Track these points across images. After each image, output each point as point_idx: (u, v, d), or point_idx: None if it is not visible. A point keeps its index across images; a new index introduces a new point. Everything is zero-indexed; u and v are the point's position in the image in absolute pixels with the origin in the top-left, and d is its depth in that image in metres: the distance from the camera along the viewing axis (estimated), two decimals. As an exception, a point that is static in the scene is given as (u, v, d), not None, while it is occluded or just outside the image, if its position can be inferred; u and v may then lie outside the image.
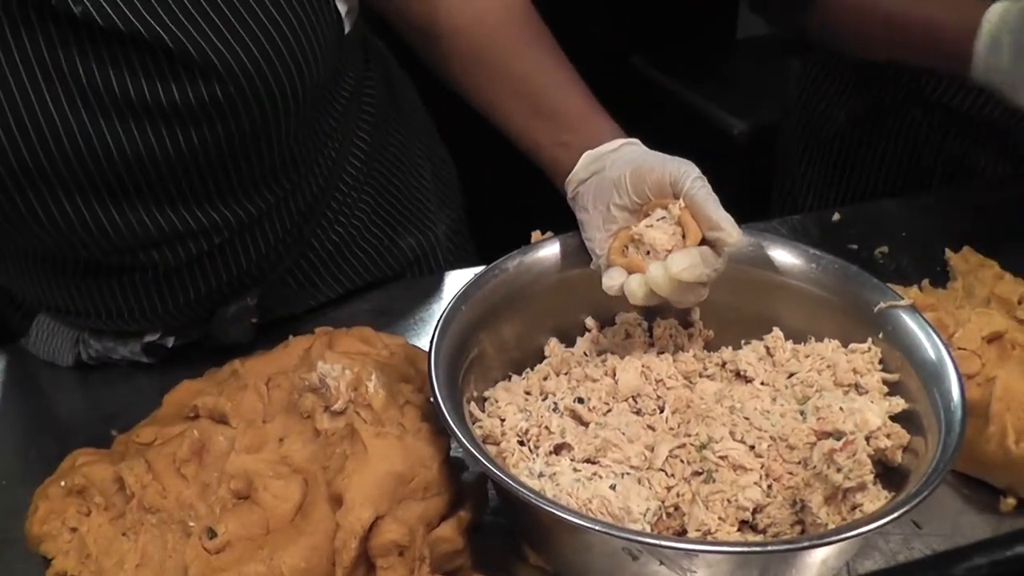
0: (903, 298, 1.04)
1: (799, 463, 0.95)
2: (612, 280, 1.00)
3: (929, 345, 1.01)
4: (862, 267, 1.30)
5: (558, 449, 0.98)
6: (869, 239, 1.45)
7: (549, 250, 1.09)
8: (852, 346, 1.05)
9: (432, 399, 0.92)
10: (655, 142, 1.07)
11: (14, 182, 1.03)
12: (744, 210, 1.06)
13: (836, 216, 1.50)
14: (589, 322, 1.11)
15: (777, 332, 1.09)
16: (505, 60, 1.17)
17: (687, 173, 0.99)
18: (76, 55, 0.99)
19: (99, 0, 0.97)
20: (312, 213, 1.27)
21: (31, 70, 0.99)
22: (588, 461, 0.96)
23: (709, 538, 0.91)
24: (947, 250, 1.36)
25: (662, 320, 1.12)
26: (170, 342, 1.27)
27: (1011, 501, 1.08)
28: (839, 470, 0.90)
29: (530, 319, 1.09)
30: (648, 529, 0.90)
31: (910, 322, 1.03)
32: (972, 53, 1.27)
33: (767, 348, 1.08)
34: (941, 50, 1.34)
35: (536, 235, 1.11)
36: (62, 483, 0.97)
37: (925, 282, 1.31)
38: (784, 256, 1.10)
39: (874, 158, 1.67)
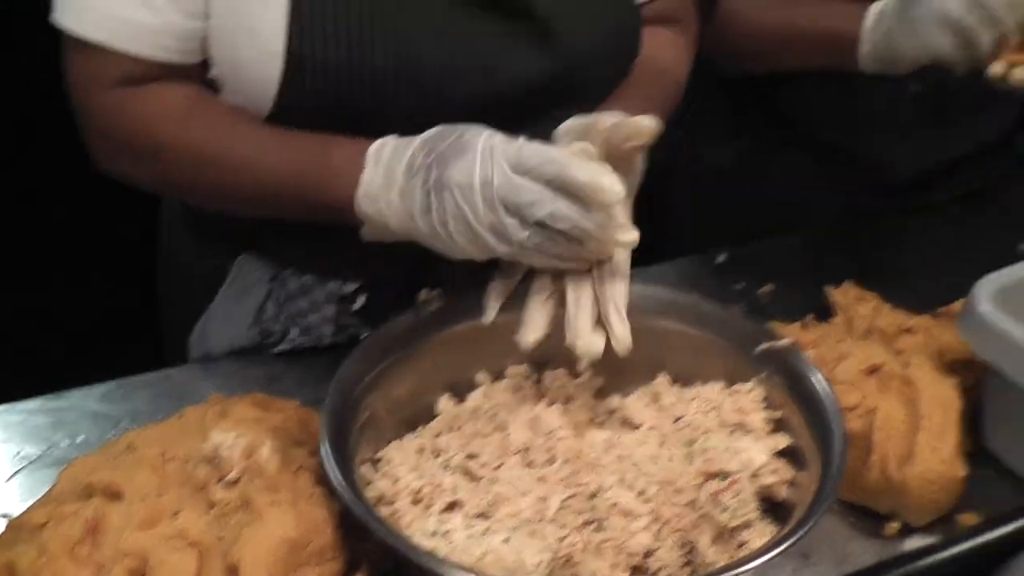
0: (784, 338, 1.07)
1: (687, 505, 0.98)
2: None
3: (810, 382, 1.05)
4: (748, 306, 1.35)
5: (451, 506, 0.99)
6: (754, 277, 1.48)
7: (437, 308, 1.11)
8: (736, 387, 1.08)
9: (322, 463, 0.93)
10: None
11: None
12: (631, 253, 1.08)
13: (722, 257, 1.53)
14: (480, 377, 1.13)
15: (663, 378, 1.11)
16: None
17: None
18: None
19: None
20: None
21: None
22: (481, 516, 0.97)
23: (602, 585, 0.93)
24: (828, 287, 1.39)
25: (551, 371, 1.13)
26: (359, 303, 1.28)
27: (895, 525, 1.11)
28: (724, 509, 0.93)
29: (421, 377, 1.10)
30: (543, 580, 0.92)
31: (791, 360, 1.06)
32: (861, 38, 1.39)
33: (654, 394, 1.11)
34: (834, 43, 1.43)
35: (426, 293, 1.13)
36: (-48, 572, 0.96)
37: (809, 317, 1.34)
38: (669, 300, 1.13)
39: (758, 197, 1.71)
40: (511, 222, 0.96)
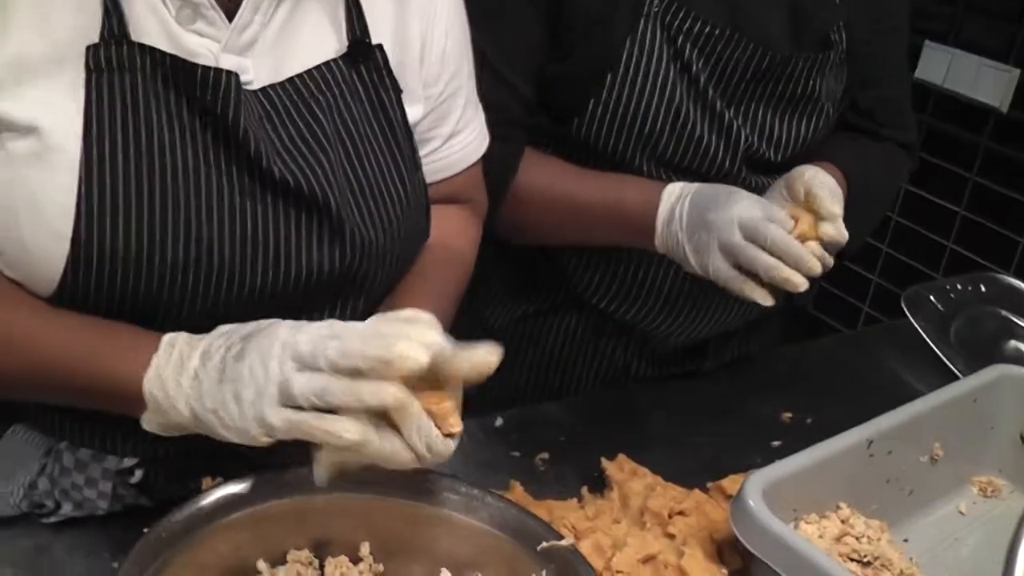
0: (563, 537, 1.09)
1: None
2: None
3: (588, 578, 1.06)
4: (524, 474, 1.37)
5: None
6: (530, 444, 1.50)
7: (220, 494, 1.08)
8: (517, 584, 1.09)
9: None
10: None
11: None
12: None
13: (499, 421, 1.55)
14: (260, 565, 1.10)
15: (445, 573, 1.11)
16: None
17: None
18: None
19: None
20: None
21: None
22: None
23: None
24: (603, 459, 1.42)
25: (332, 557, 1.12)
26: (136, 476, 1.21)
27: None
28: None
29: (203, 568, 1.07)
30: None
31: (570, 558, 1.08)
32: (655, 228, 1.45)
33: (436, 590, 1.11)
34: (629, 228, 1.49)
35: (207, 482, 1.10)
36: None
37: (584, 490, 1.37)
38: (450, 491, 1.13)
39: (536, 359, 1.75)
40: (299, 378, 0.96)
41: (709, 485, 1.40)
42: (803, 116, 1.58)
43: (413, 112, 1.26)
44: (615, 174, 1.53)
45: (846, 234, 1.39)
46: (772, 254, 1.34)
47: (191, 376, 1.00)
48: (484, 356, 1.01)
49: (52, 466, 1.22)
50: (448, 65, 1.31)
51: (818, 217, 1.39)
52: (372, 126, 1.20)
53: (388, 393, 0.94)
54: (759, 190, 1.55)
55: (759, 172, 1.58)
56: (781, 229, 1.35)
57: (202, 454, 1.15)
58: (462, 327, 1.77)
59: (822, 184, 1.41)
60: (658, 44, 1.46)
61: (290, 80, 1.15)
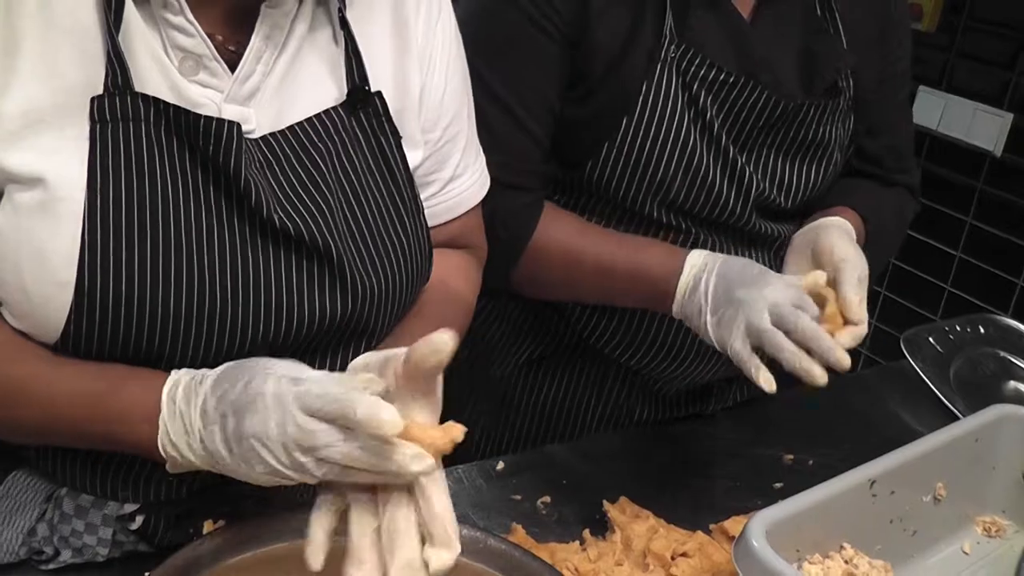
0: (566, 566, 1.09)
1: None
2: None
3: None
4: (526, 517, 1.36)
5: None
6: (532, 488, 1.49)
7: (220, 539, 1.08)
8: (524, 628, 1.08)
9: None
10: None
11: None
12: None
13: (500, 464, 1.54)
14: (262, 609, 1.10)
15: (450, 617, 1.11)
16: None
17: None
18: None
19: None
20: None
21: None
22: None
23: None
24: (605, 501, 1.42)
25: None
26: (137, 523, 1.20)
27: None
28: None
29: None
30: None
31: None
32: (674, 295, 1.44)
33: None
34: (648, 293, 1.48)
35: (208, 525, 1.10)
36: None
37: (586, 532, 1.37)
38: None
39: (539, 404, 1.74)
40: (308, 461, 0.95)
41: (712, 527, 1.40)
42: (813, 162, 1.58)
43: (413, 157, 1.26)
44: (637, 236, 1.54)
45: (863, 333, 1.37)
46: (799, 342, 1.30)
47: (199, 440, 1.00)
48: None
49: (52, 512, 1.21)
50: (447, 110, 1.31)
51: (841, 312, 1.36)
52: (373, 173, 1.20)
53: None
54: (769, 237, 1.57)
55: (769, 218, 1.58)
56: (811, 320, 1.31)
57: (203, 499, 1.14)
58: (467, 372, 1.78)
59: (851, 276, 1.38)
60: (673, 90, 1.46)
61: (291, 128, 1.15)
